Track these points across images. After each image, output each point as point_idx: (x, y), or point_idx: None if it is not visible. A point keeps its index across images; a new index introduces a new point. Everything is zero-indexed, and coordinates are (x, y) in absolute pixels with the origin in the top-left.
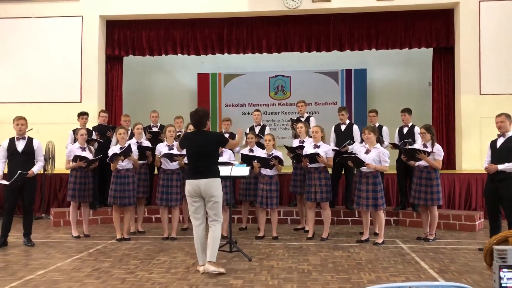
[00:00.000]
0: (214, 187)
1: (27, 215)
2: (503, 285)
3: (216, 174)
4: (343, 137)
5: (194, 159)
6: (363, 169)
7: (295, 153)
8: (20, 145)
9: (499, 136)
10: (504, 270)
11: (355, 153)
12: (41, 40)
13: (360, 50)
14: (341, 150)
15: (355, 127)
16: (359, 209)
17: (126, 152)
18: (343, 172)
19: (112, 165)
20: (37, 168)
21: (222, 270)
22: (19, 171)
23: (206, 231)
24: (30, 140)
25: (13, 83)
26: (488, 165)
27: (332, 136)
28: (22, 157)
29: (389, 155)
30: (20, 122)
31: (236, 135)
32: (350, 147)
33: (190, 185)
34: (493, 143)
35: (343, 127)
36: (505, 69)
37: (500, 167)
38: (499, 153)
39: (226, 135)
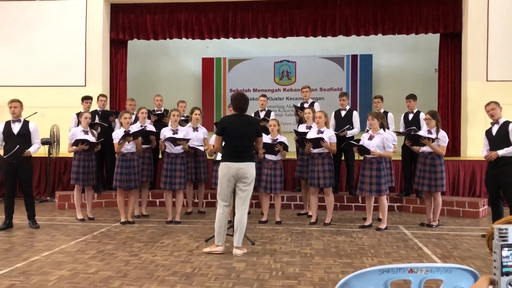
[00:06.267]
0: (251, 171)
1: (28, 197)
2: (504, 263)
3: (253, 158)
4: (343, 123)
5: (236, 142)
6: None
7: (301, 136)
8: (16, 128)
9: (492, 124)
10: (505, 249)
11: (359, 139)
12: (46, 23)
13: (366, 35)
14: (339, 135)
15: (355, 113)
16: (363, 194)
17: (136, 134)
18: (343, 158)
19: (116, 148)
20: (33, 149)
21: (245, 250)
22: (17, 146)
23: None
24: (26, 122)
25: (18, 66)
26: (487, 152)
27: (332, 122)
28: (18, 139)
29: (394, 139)
30: (13, 104)
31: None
32: (349, 132)
33: (229, 168)
34: (488, 132)
35: (343, 113)
36: None
37: (500, 152)
38: (496, 140)
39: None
